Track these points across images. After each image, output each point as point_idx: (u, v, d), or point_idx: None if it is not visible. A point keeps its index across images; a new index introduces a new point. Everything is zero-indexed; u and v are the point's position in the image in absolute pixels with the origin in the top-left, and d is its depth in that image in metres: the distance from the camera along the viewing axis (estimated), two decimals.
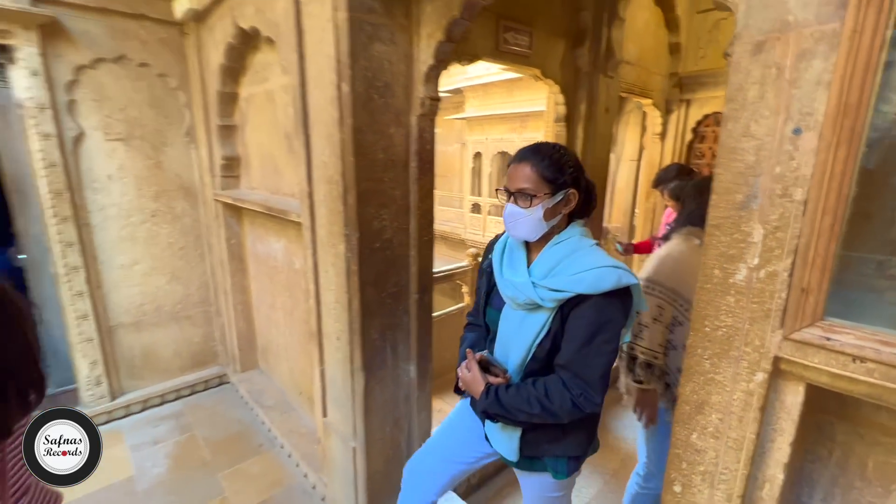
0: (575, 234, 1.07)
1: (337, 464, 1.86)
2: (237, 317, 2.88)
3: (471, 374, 1.11)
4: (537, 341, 1.05)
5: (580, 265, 1.00)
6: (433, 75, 1.50)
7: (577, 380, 0.99)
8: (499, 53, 1.94)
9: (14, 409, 0.79)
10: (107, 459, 2.35)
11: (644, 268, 1.49)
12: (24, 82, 2.19)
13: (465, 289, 3.61)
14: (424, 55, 1.47)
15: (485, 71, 8.47)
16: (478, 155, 10.25)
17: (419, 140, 1.58)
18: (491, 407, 1.06)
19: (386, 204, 1.55)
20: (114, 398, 2.68)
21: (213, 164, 2.64)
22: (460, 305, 3.60)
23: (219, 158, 2.59)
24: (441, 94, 1.60)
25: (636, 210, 3.93)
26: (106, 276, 2.58)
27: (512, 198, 1.05)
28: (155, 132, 2.62)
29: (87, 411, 2.57)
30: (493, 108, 9.22)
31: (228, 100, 2.47)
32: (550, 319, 1.03)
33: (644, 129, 3.74)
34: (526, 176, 1.03)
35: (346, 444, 1.75)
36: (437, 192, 8.95)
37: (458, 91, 9.81)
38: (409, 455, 1.84)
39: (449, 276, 3.51)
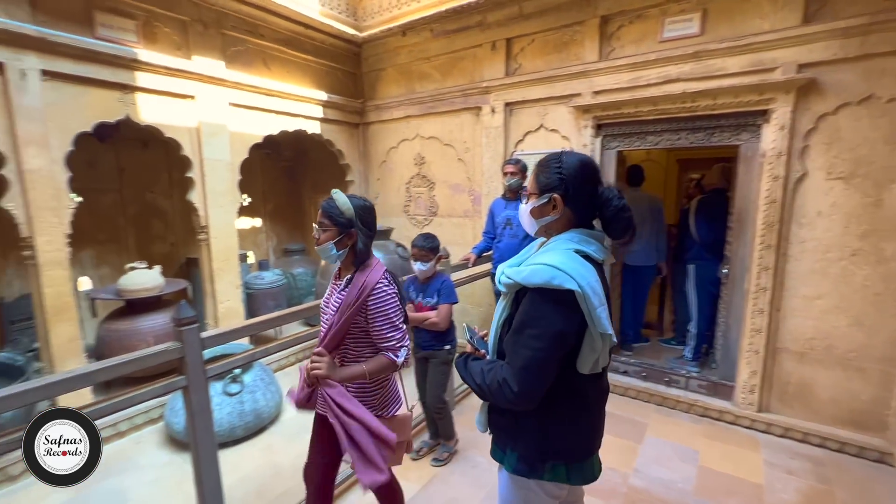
0: (561, 238, 1.16)
1: None
2: None
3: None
4: (500, 323, 1.20)
5: (533, 259, 1.14)
6: None
7: (506, 366, 1.10)
8: None
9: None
10: (742, 458, 2.67)
11: None
12: (770, 136, 2.73)
13: None
14: None
15: None
16: None
17: None
18: (458, 366, 1.26)
19: None
20: (759, 410, 2.94)
21: None
22: None
23: None
24: None
25: None
26: (786, 303, 2.81)
27: None
28: (882, 169, 2.47)
29: (735, 410, 3.01)
30: None
31: None
32: (508, 304, 1.18)
33: None
34: (531, 178, 1.24)
35: None
36: None
37: None
38: None
39: None
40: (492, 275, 3.45)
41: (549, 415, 1.14)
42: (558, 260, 1.07)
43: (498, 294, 3.46)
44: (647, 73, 3.08)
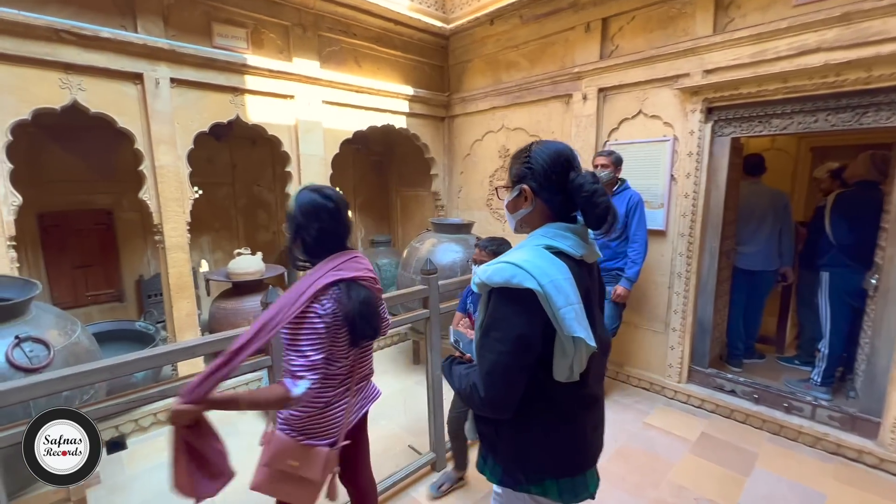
0: (534, 233, 1.10)
1: None
2: None
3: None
4: (479, 325, 1.10)
5: (501, 257, 1.05)
6: None
7: (477, 370, 1.06)
8: None
9: (361, 336, 1.32)
10: None
11: None
12: None
13: None
14: None
15: None
16: None
17: None
18: (444, 369, 1.21)
19: None
20: None
21: None
22: None
23: None
24: None
25: None
26: None
27: None
28: None
29: (881, 452, 2.46)
30: None
31: None
32: (482, 306, 1.09)
33: None
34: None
35: None
36: None
37: None
38: None
39: None
40: None
41: (524, 424, 1.09)
42: (521, 257, 1.01)
43: None
44: (775, 45, 2.61)
